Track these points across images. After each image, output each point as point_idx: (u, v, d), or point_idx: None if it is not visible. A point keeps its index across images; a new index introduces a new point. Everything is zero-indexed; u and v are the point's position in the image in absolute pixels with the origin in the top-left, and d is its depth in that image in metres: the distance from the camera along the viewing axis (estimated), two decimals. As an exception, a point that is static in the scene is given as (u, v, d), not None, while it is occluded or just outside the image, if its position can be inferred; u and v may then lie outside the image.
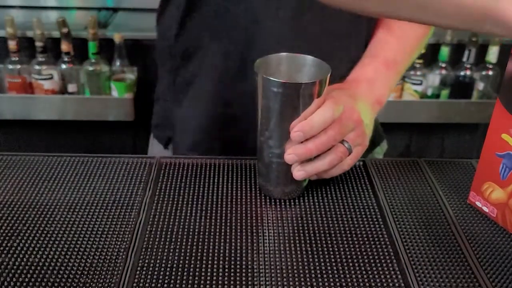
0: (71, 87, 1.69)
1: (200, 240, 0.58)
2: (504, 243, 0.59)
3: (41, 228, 0.59)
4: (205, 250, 0.56)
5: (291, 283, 0.53)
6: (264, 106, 0.60)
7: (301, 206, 0.64)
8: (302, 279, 0.53)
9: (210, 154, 0.77)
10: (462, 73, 1.76)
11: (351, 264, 0.55)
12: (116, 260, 0.55)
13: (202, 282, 0.52)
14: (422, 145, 1.95)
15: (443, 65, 1.76)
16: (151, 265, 0.54)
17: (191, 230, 0.59)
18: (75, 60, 1.67)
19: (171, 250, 0.56)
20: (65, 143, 1.83)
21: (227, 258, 0.55)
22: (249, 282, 0.53)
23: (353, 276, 0.54)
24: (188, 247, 0.57)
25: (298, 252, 0.57)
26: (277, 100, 0.58)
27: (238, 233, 0.59)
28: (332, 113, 0.60)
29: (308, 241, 0.58)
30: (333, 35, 0.76)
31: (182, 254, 0.56)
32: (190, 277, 0.53)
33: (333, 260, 0.56)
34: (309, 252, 0.57)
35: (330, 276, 0.54)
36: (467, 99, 1.78)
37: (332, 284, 0.53)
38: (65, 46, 1.62)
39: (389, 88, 0.74)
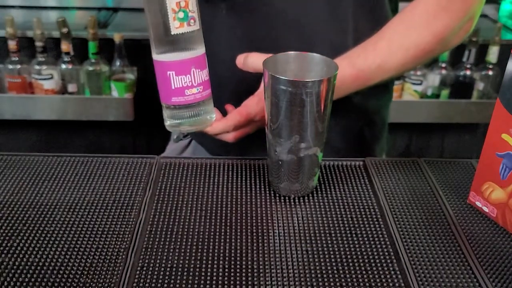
0: (71, 87, 1.69)
1: (200, 240, 0.58)
2: (504, 243, 0.59)
3: (41, 228, 0.59)
4: (205, 250, 0.56)
5: (291, 283, 0.53)
6: (272, 103, 0.61)
7: (301, 206, 0.64)
8: (302, 279, 0.53)
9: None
10: (462, 73, 1.76)
11: (351, 264, 0.55)
12: (116, 260, 0.55)
13: (202, 282, 0.52)
14: (422, 145, 1.94)
15: (443, 65, 1.75)
16: (151, 265, 0.54)
17: (191, 230, 0.59)
18: (75, 60, 1.66)
19: (171, 250, 0.56)
20: (65, 143, 1.83)
21: (227, 258, 0.55)
22: (249, 282, 0.53)
23: (353, 276, 0.54)
24: (188, 247, 0.57)
25: (298, 252, 0.57)
26: (285, 98, 0.59)
27: (238, 233, 0.59)
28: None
29: (308, 241, 0.58)
30: (313, 20, 0.76)
31: (182, 254, 0.56)
32: (190, 277, 0.53)
33: (333, 260, 0.56)
34: (309, 252, 0.57)
35: (330, 276, 0.54)
36: (467, 99, 1.78)
37: (332, 284, 0.53)
38: (65, 46, 1.62)
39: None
